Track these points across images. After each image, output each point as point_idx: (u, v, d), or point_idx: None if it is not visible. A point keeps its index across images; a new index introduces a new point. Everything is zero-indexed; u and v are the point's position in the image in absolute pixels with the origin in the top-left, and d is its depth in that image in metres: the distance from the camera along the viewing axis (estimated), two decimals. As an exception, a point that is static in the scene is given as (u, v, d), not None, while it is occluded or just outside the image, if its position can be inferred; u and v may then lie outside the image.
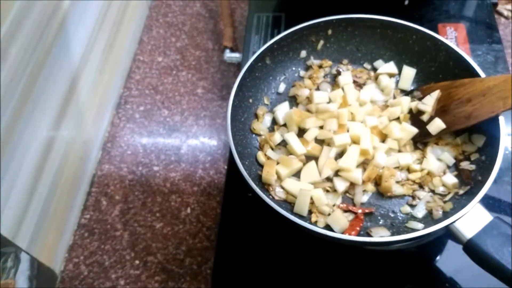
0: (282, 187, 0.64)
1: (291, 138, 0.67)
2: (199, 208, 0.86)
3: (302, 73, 0.78)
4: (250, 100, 0.72)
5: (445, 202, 0.61)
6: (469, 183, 0.61)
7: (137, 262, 0.81)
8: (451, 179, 0.63)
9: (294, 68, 0.77)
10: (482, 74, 0.64)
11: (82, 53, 0.87)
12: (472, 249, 0.53)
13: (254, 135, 0.71)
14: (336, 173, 0.65)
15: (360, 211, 0.62)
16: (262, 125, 0.72)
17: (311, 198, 0.62)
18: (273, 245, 0.66)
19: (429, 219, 0.60)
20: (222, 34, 1.04)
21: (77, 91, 0.85)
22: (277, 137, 0.69)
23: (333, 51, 0.77)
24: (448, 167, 0.65)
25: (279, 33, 0.74)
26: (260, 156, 0.67)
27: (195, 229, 0.84)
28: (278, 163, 0.66)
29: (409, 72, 0.73)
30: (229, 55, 1.00)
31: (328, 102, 0.71)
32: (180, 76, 1.06)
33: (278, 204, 0.57)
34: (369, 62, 0.77)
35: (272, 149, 0.68)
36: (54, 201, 0.79)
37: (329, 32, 0.75)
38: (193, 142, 0.96)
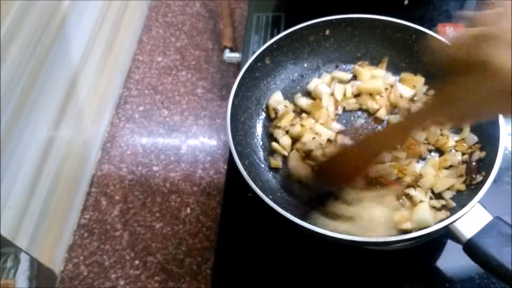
0: None
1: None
2: (199, 208, 0.86)
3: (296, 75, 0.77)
4: (250, 100, 0.72)
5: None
6: (470, 183, 0.61)
7: (137, 262, 0.81)
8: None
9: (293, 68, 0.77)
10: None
11: (81, 53, 0.86)
12: (472, 249, 0.53)
13: (254, 135, 0.71)
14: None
15: None
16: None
17: None
18: (273, 245, 0.66)
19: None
20: (221, 34, 1.04)
21: (77, 91, 0.85)
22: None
23: (333, 51, 0.77)
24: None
25: (279, 33, 0.74)
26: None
27: (195, 229, 0.84)
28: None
29: None
30: (228, 55, 1.00)
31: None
32: (179, 76, 1.06)
33: (277, 204, 0.57)
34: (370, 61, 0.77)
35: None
36: (54, 201, 0.79)
37: (329, 32, 0.75)
38: (193, 142, 0.96)
